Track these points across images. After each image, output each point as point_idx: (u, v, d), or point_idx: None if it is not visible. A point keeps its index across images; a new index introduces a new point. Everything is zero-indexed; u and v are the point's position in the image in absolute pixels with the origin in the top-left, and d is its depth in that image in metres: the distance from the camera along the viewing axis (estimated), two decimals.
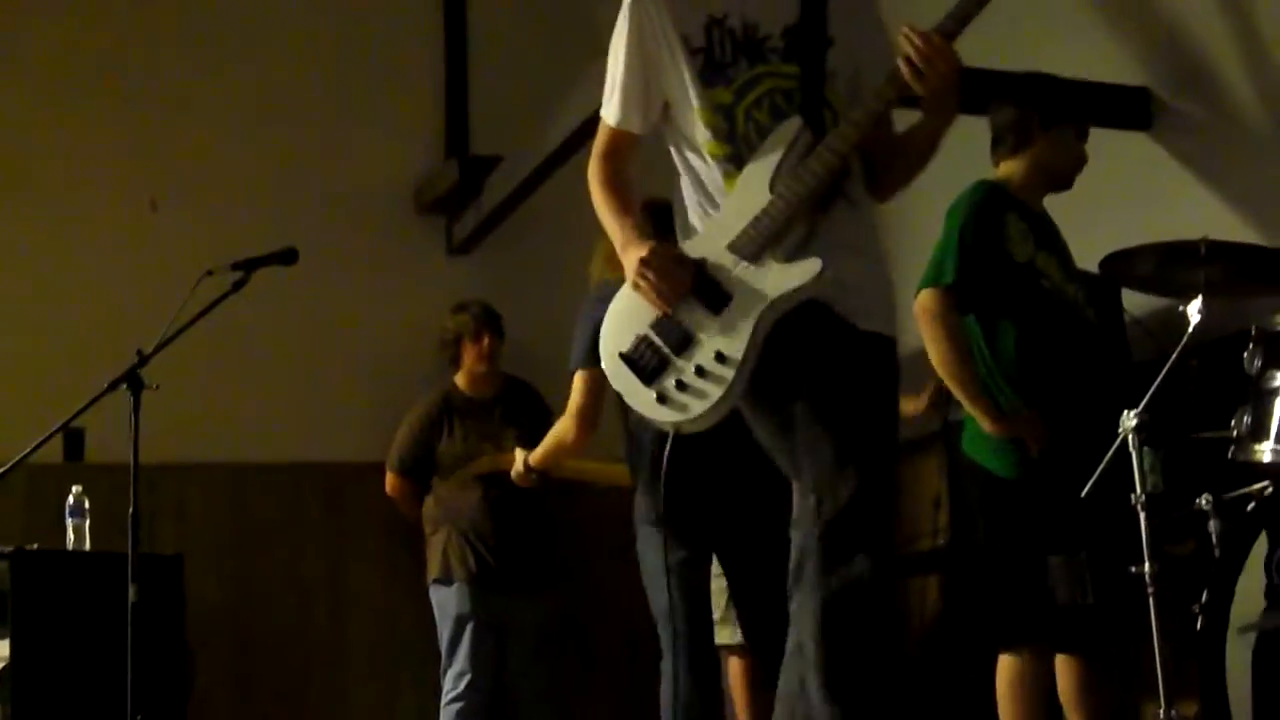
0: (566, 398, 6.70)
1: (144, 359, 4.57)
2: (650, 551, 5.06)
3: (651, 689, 6.28)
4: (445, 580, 6.30)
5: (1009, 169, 4.67)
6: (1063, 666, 4.38)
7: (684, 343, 3.24)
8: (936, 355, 4.39)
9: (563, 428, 5.49)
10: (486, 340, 6.49)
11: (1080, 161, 4.75)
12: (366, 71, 7.47)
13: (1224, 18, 6.16)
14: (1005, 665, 4.40)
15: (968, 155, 6.68)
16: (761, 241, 3.24)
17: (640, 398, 3.27)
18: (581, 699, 6.82)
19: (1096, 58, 6.53)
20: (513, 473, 5.66)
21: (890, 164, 3.46)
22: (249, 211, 7.01)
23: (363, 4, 7.54)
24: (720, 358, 3.19)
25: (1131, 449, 4.03)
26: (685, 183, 3.58)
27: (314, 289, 6.90)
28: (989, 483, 4.45)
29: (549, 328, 7.24)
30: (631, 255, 3.34)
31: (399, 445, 6.51)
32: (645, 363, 3.28)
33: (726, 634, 5.72)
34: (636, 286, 3.31)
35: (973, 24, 7.28)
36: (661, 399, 3.24)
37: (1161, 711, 3.85)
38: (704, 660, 4.99)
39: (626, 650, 6.88)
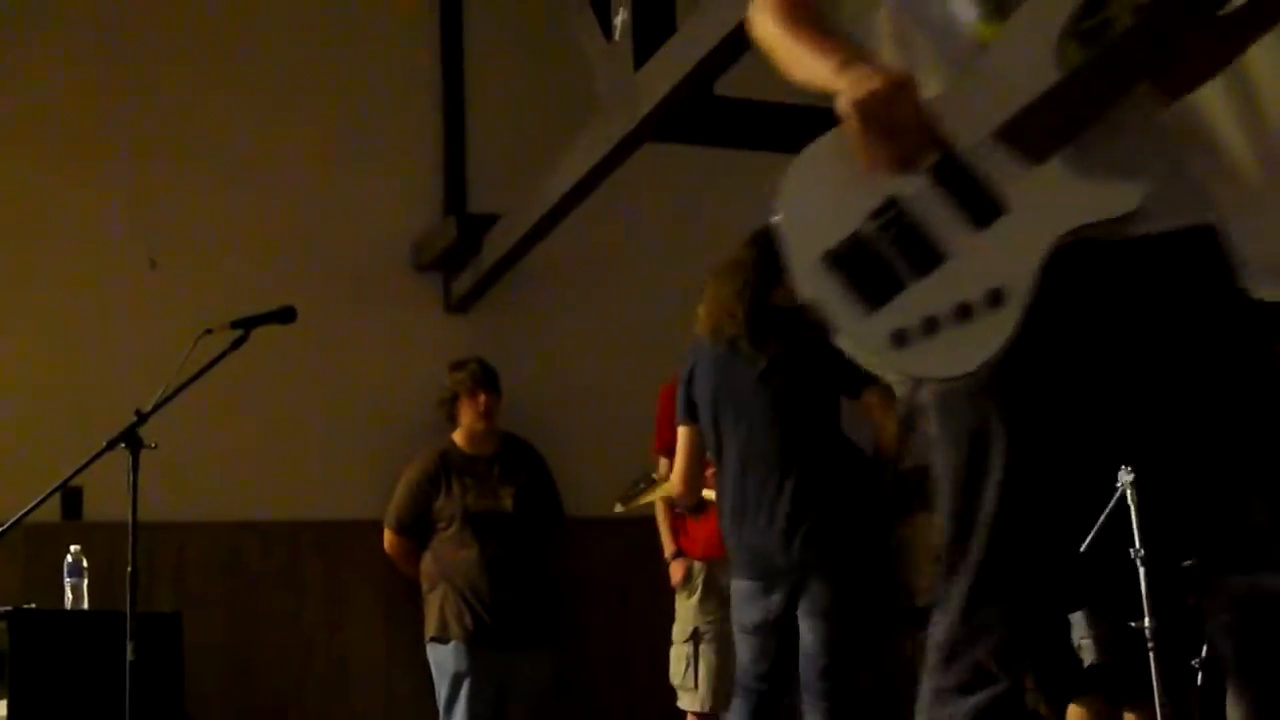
0: (564, 455, 6.74)
1: (142, 418, 4.56)
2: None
3: None
4: (442, 638, 6.28)
5: None
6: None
7: (929, 259, 2.28)
8: None
9: (670, 485, 5.58)
10: (483, 398, 6.49)
11: None
12: (365, 129, 7.50)
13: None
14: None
15: None
16: (1051, 135, 2.28)
17: (860, 329, 2.35)
18: None
19: None
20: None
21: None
22: (248, 270, 7.02)
23: (361, 61, 7.57)
24: (995, 298, 2.25)
25: (1130, 503, 4.02)
26: (894, 37, 2.53)
27: (312, 347, 6.92)
28: None
29: (547, 385, 7.30)
30: (852, 83, 2.27)
31: (397, 503, 6.50)
32: (867, 274, 2.31)
33: (687, 700, 5.81)
34: (860, 139, 2.27)
35: None
36: (899, 339, 2.30)
37: None
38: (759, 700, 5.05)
39: (626, 709, 6.85)
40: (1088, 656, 4.38)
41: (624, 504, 5.83)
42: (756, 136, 6.20)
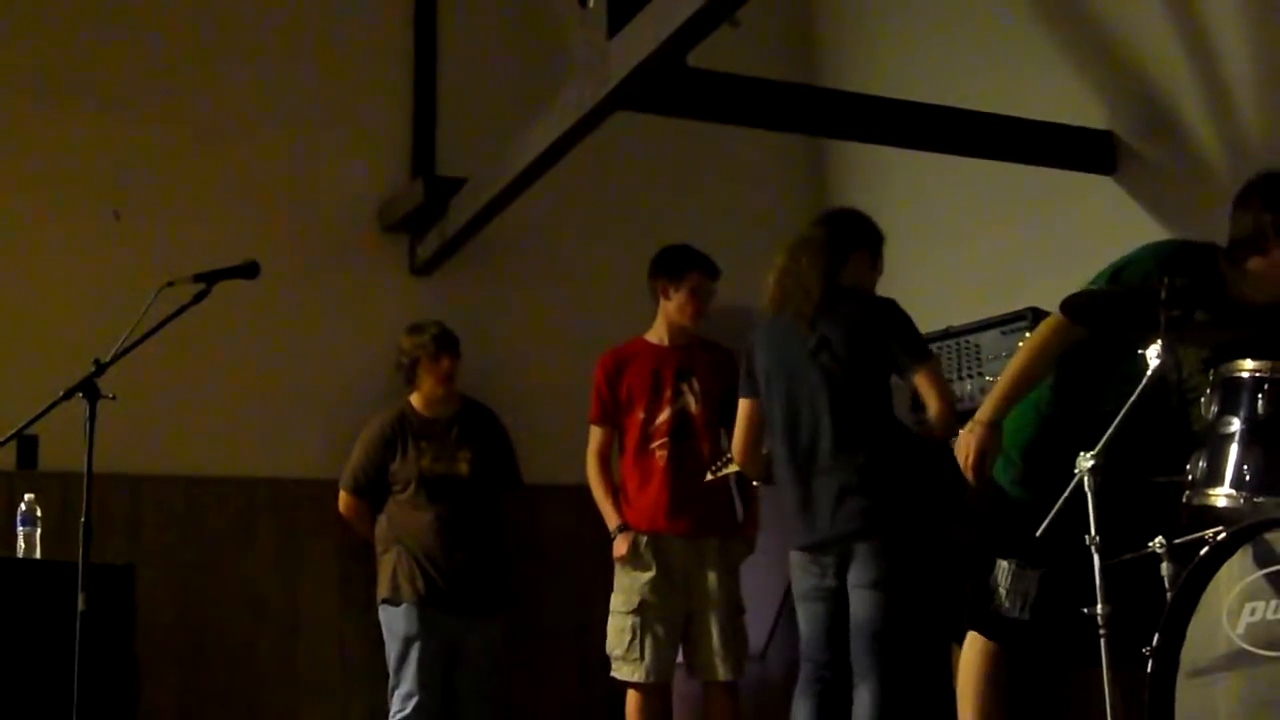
0: (523, 421, 6.74)
1: (101, 368, 4.53)
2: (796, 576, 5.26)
3: (600, 714, 6.31)
4: (394, 600, 6.28)
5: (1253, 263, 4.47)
6: (981, 647, 4.56)
7: None
8: None
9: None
10: (445, 362, 6.48)
11: None
12: (335, 89, 7.46)
13: (1190, 64, 6.22)
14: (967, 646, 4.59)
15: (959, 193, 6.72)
16: None
17: None
18: None
19: (1062, 101, 6.60)
20: None
21: None
22: (212, 224, 6.98)
23: (334, 21, 7.52)
24: None
25: (1087, 490, 4.03)
26: None
27: (274, 304, 6.90)
28: (999, 497, 4.60)
29: (508, 350, 7.30)
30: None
31: (353, 464, 6.49)
32: None
33: (627, 670, 5.84)
34: None
35: (940, 62, 7.38)
36: None
37: None
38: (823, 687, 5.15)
39: (576, 676, 6.87)
40: (999, 602, 4.42)
41: (714, 474, 5.87)
42: (727, 109, 6.19)
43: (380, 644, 6.35)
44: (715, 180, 7.98)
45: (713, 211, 7.75)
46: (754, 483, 5.83)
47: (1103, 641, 3.96)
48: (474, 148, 7.22)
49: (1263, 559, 3.73)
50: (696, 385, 6.08)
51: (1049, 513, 4.12)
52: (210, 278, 4.73)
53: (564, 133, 6.02)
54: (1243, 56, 6.06)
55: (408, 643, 6.21)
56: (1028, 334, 5.43)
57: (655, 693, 5.99)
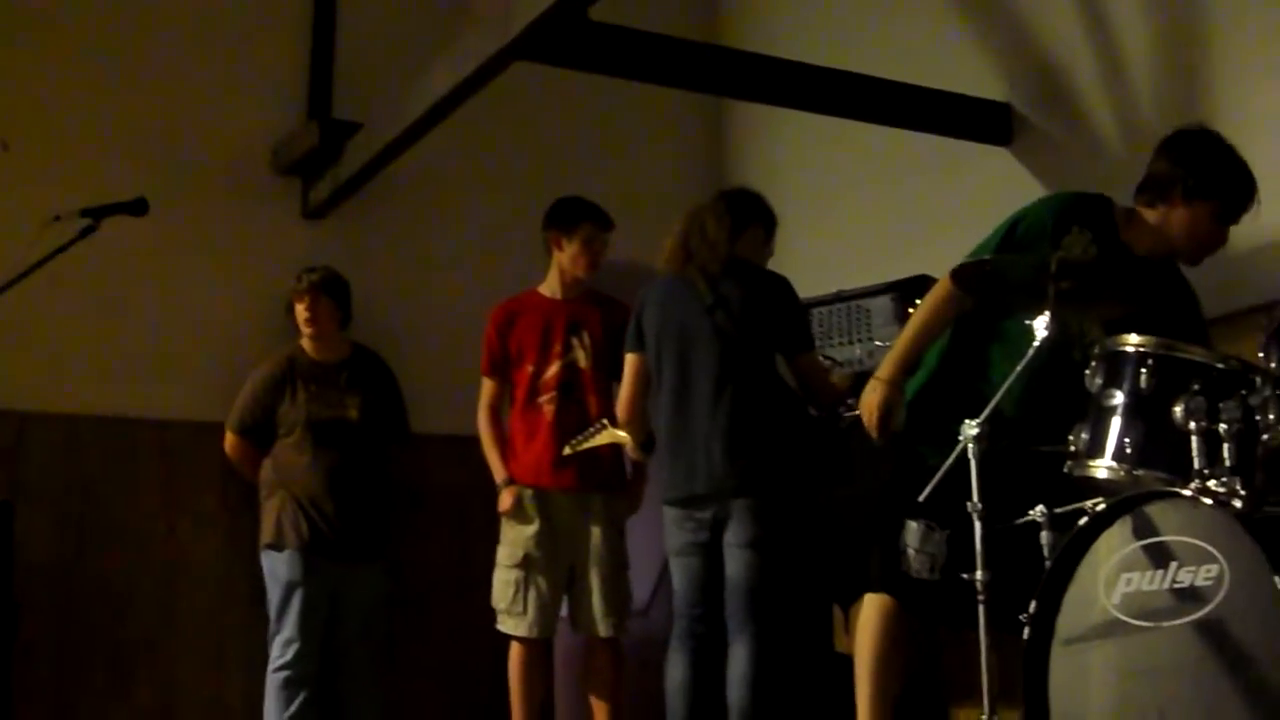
0: (412, 369, 6.71)
1: None
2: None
3: (482, 665, 6.31)
4: (277, 546, 6.23)
5: (1144, 212, 4.64)
6: (881, 607, 4.55)
7: None
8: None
9: (617, 432, 5.67)
10: (304, 303, 6.41)
11: (1215, 244, 4.65)
12: (232, 27, 7.34)
13: (1088, 39, 6.29)
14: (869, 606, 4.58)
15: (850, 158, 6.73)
16: None
17: None
18: (411, 673, 6.78)
19: (962, 71, 6.65)
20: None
21: None
22: (101, 158, 6.85)
23: None
24: None
25: (970, 457, 4.07)
26: None
27: (163, 242, 6.79)
28: (907, 458, 4.60)
29: (400, 296, 7.25)
30: None
31: (240, 406, 6.42)
32: None
33: (511, 624, 5.87)
34: None
35: (843, 27, 7.38)
36: None
37: (985, 716, 3.92)
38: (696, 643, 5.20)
39: (459, 627, 6.86)
40: (907, 564, 4.46)
41: (572, 448, 5.84)
42: (628, 65, 6.19)
43: (262, 589, 6.29)
44: (614, 136, 7.95)
45: (610, 167, 7.72)
46: (629, 451, 5.78)
47: (980, 608, 4.01)
48: (372, 92, 7.14)
49: (1140, 531, 3.78)
50: (587, 339, 6.09)
51: (951, 475, 4.19)
52: (98, 213, 4.66)
53: (463, 81, 6.00)
54: (1139, 33, 6.14)
55: (290, 589, 6.17)
56: (918, 301, 5.48)
57: (538, 647, 6.02)
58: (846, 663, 4.81)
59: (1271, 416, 3.78)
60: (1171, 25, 6.03)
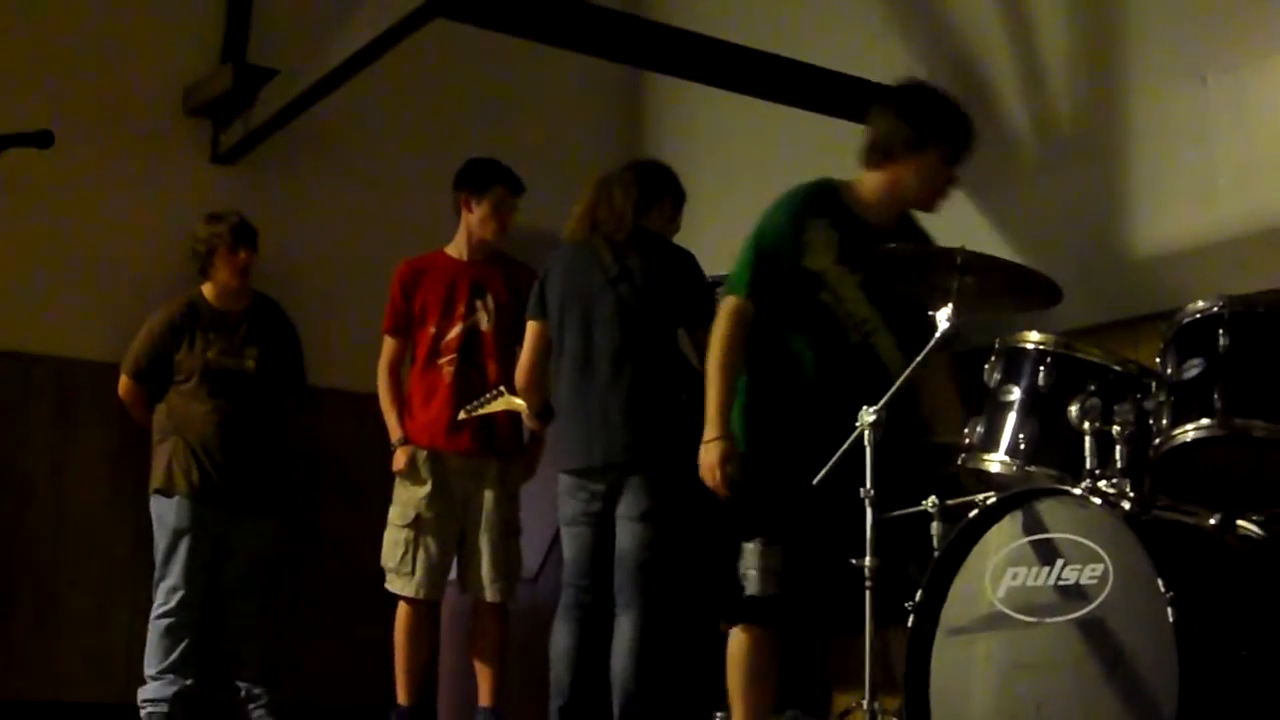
0: (314, 321, 6.66)
1: None
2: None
3: (370, 624, 6.29)
4: (166, 491, 6.17)
5: (870, 178, 4.69)
6: (743, 640, 4.54)
7: None
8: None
9: (515, 400, 5.67)
10: (241, 254, 6.34)
11: (940, 190, 4.71)
12: None
13: (1007, 36, 6.34)
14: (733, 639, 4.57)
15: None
16: None
17: None
18: (297, 629, 6.73)
19: (881, 60, 6.64)
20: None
21: None
22: (8, 91, 6.72)
23: None
24: None
25: (866, 445, 4.10)
26: None
27: (67, 178, 6.69)
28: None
29: (304, 249, 7.18)
30: None
31: (136, 349, 6.33)
32: None
33: (399, 584, 5.86)
34: None
35: (766, 9, 7.35)
36: None
37: (865, 703, 3.95)
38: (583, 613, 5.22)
39: (347, 584, 6.82)
40: (750, 586, 4.46)
41: (467, 413, 5.81)
42: (547, 29, 6.19)
43: (148, 535, 6.23)
44: (532, 100, 7.91)
45: (525, 131, 7.67)
46: (525, 419, 5.78)
47: (868, 595, 4.04)
48: (289, 39, 7.07)
49: (1029, 527, 3.82)
50: (491, 303, 6.07)
51: (765, 489, 4.44)
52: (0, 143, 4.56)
53: (382, 33, 5.96)
54: (1057, 33, 6.20)
55: (177, 536, 6.11)
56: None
57: (425, 608, 6.01)
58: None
59: (1165, 421, 3.84)
60: (1089, 27, 6.09)
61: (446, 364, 6.01)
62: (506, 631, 6.05)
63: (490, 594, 5.96)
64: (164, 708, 6.03)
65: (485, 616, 6.03)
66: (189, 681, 6.08)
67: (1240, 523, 3.96)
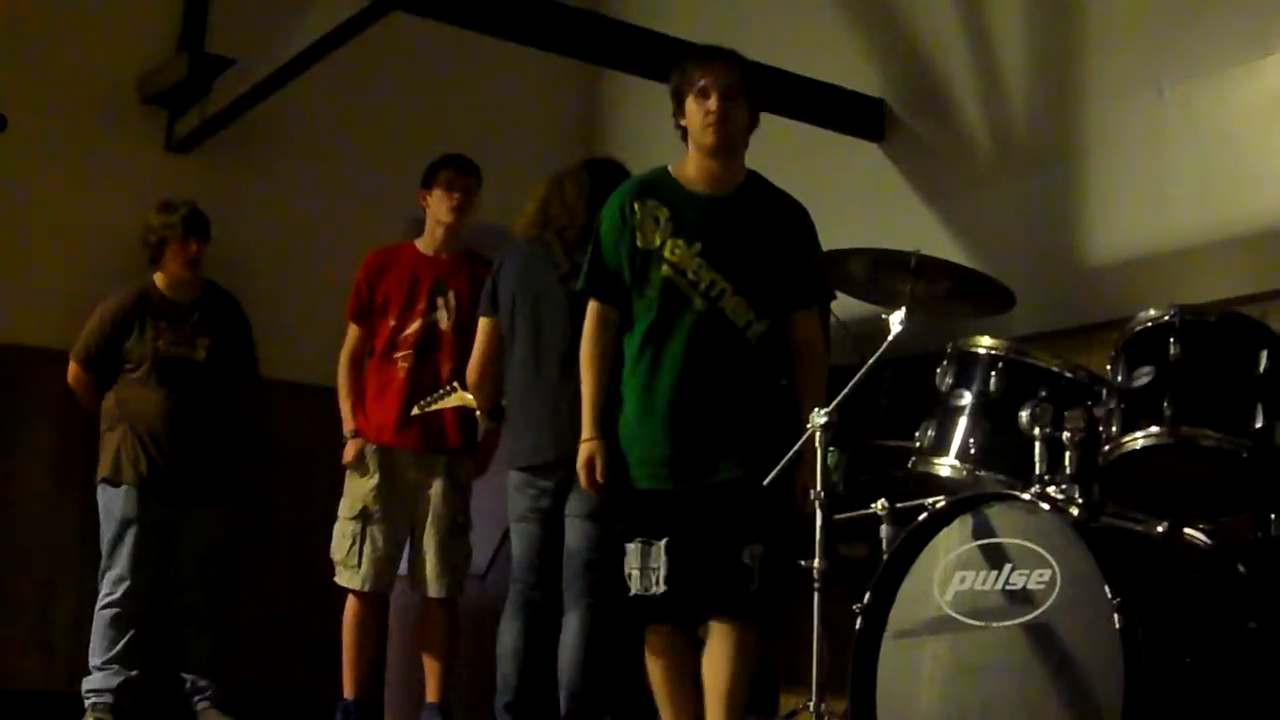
0: (267, 313, 6.62)
1: None
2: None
3: (319, 618, 6.26)
4: (114, 481, 6.13)
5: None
6: (652, 644, 4.51)
7: None
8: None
9: (467, 396, 5.65)
10: (193, 245, 6.30)
11: (706, 120, 4.51)
12: None
13: (966, 45, 6.36)
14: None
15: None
16: None
17: None
18: (247, 622, 6.69)
19: (839, 64, 6.68)
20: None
21: None
22: None
23: None
24: None
25: (817, 445, 4.10)
26: None
27: (19, 162, 6.62)
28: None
29: (260, 240, 7.14)
30: None
31: (87, 336, 6.28)
32: None
33: (346, 577, 5.85)
34: None
35: (724, 8, 7.35)
36: None
37: (811, 704, 3.95)
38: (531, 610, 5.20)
39: (297, 577, 6.79)
40: (634, 586, 4.41)
41: (420, 409, 5.79)
42: (505, 24, 6.17)
43: (94, 524, 6.19)
44: (488, 96, 7.88)
45: (481, 127, 7.64)
46: (477, 414, 5.78)
47: (815, 595, 4.04)
48: (246, 28, 7.01)
49: (978, 531, 3.84)
50: (453, 300, 6.05)
51: (632, 487, 4.44)
52: None
53: (340, 25, 5.94)
54: (1015, 43, 6.23)
55: (124, 525, 6.07)
56: None
57: (372, 601, 6.00)
58: None
59: (1114, 429, 3.86)
60: (1047, 36, 6.12)
61: (402, 359, 6.00)
62: (454, 627, 6.04)
63: (435, 590, 5.95)
64: (108, 698, 6.00)
65: (433, 612, 6.02)
66: (134, 672, 6.05)
67: (1187, 530, 3.99)
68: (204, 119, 6.94)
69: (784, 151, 6.88)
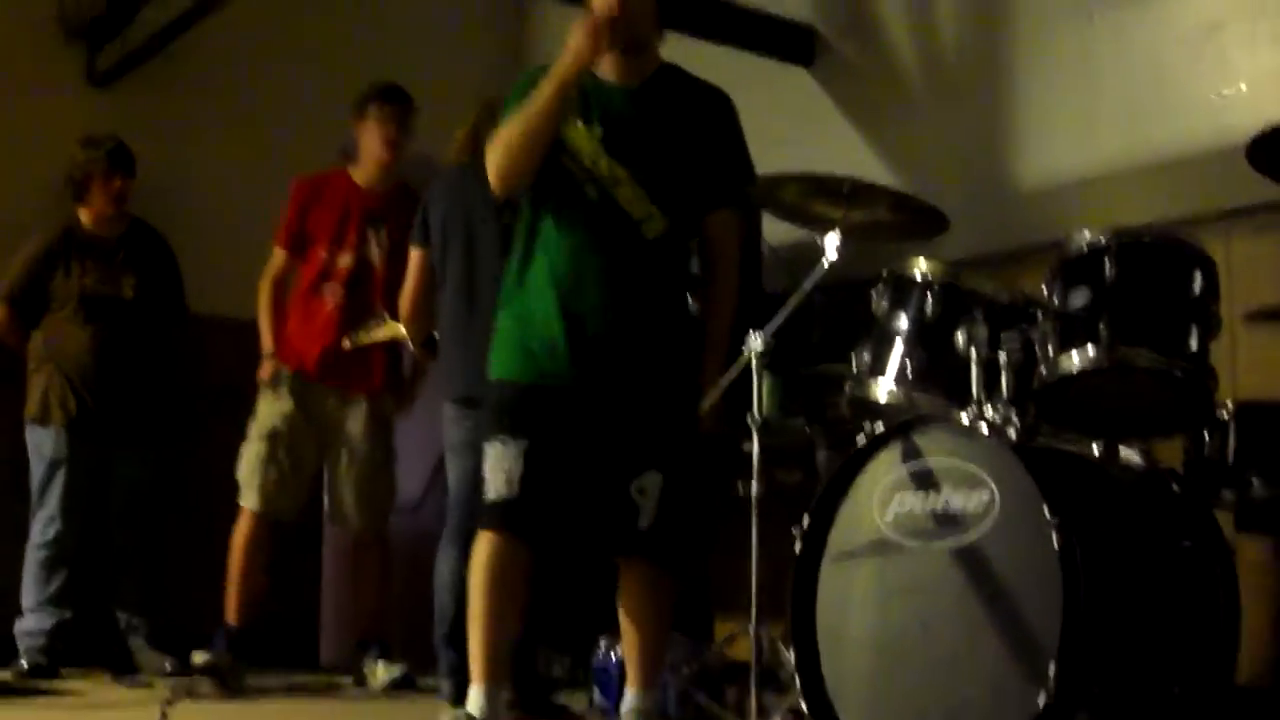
0: (194, 248, 6.54)
1: None
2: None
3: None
4: (42, 421, 6.08)
5: None
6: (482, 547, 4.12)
7: None
8: None
9: (398, 327, 5.61)
10: (118, 181, 6.22)
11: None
12: None
13: None
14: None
15: None
16: None
17: None
18: (177, 562, 6.63)
19: None
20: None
21: None
22: None
23: None
24: None
25: (754, 372, 4.09)
26: None
27: None
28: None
29: (183, 174, 7.03)
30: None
31: (11, 276, 6.19)
32: None
33: (245, 495, 5.78)
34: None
35: None
36: None
37: (751, 629, 3.96)
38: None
39: (227, 516, 6.72)
40: (488, 491, 4.06)
41: (351, 341, 5.72)
42: None
43: (24, 464, 6.12)
44: (416, 26, 7.78)
45: (409, 58, 7.51)
46: (411, 348, 5.71)
47: (754, 520, 4.04)
48: None
49: (915, 453, 3.85)
50: (385, 236, 5.97)
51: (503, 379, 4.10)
52: None
53: None
54: None
55: (54, 466, 6.02)
56: None
57: (264, 524, 5.88)
58: None
59: (1050, 351, 3.86)
60: None
61: (330, 292, 5.92)
62: (386, 563, 6.01)
63: (356, 524, 5.90)
64: (42, 640, 5.97)
65: (361, 548, 6.00)
66: (67, 614, 6.01)
67: (1122, 451, 4.02)
68: (125, 52, 6.83)
69: (713, 78, 6.90)
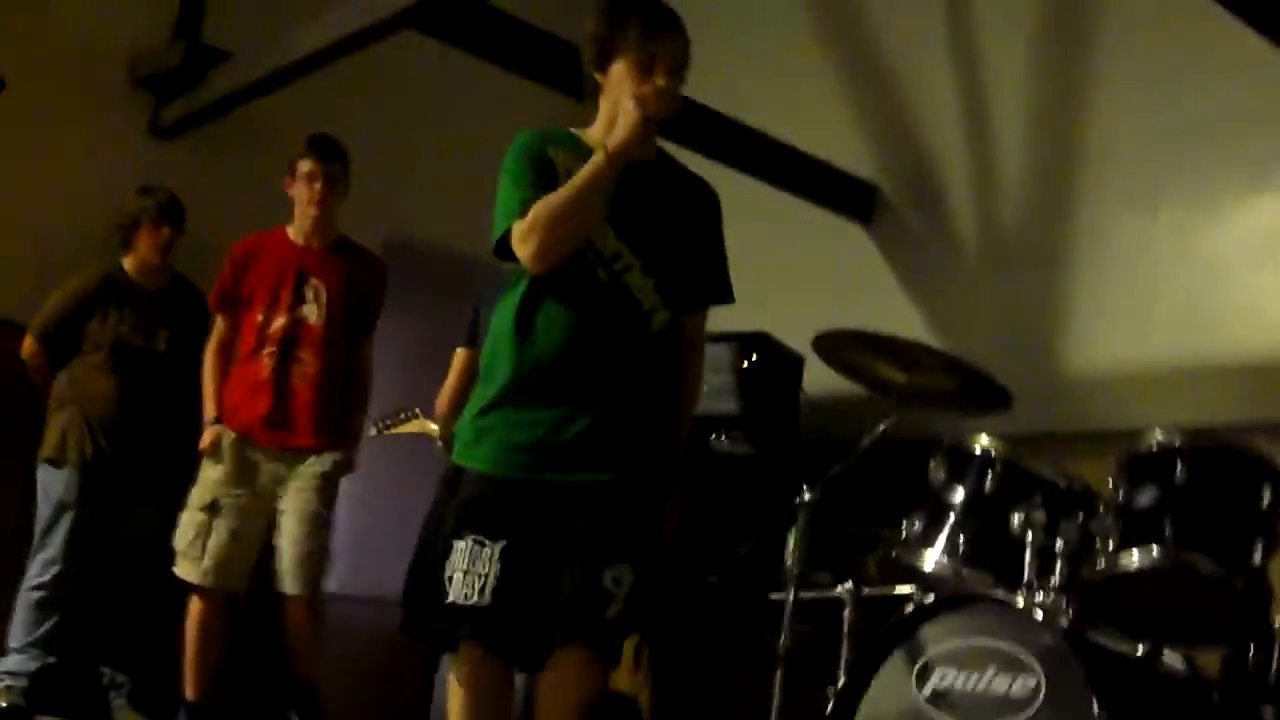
0: None
1: None
2: None
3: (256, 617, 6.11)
4: (57, 462, 6.01)
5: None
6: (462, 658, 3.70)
7: None
8: None
9: (430, 425, 5.58)
10: (166, 231, 6.21)
11: (661, 96, 3.65)
12: None
13: (966, 141, 6.41)
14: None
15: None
16: None
17: None
18: (171, 621, 6.54)
19: (835, 142, 6.68)
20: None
21: None
22: None
23: None
24: None
25: (799, 521, 4.09)
26: None
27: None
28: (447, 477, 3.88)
29: (234, 231, 6.96)
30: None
31: (47, 311, 6.16)
32: None
33: (186, 568, 5.58)
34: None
35: (731, 74, 7.35)
36: None
37: None
38: None
39: None
40: (453, 591, 3.57)
41: (379, 429, 5.65)
42: (510, 58, 6.14)
43: (23, 502, 6.03)
44: (484, 122, 7.77)
45: (475, 152, 7.53)
46: (438, 443, 5.59)
47: (778, 673, 4.01)
48: (246, 23, 6.94)
49: (965, 630, 3.83)
50: (322, 294, 5.80)
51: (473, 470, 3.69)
52: None
53: (346, 36, 5.97)
54: (1015, 144, 6.28)
55: (61, 509, 5.94)
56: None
57: (216, 599, 5.62)
58: None
59: (1111, 545, 3.85)
60: (1049, 141, 6.19)
61: (267, 355, 5.72)
62: (314, 625, 5.68)
63: (290, 586, 5.61)
64: (23, 682, 5.86)
65: (291, 610, 5.65)
66: (52, 659, 5.91)
67: (1166, 653, 4.00)
68: (191, 108, 6.85)
69: (773, 222, 6.95)
